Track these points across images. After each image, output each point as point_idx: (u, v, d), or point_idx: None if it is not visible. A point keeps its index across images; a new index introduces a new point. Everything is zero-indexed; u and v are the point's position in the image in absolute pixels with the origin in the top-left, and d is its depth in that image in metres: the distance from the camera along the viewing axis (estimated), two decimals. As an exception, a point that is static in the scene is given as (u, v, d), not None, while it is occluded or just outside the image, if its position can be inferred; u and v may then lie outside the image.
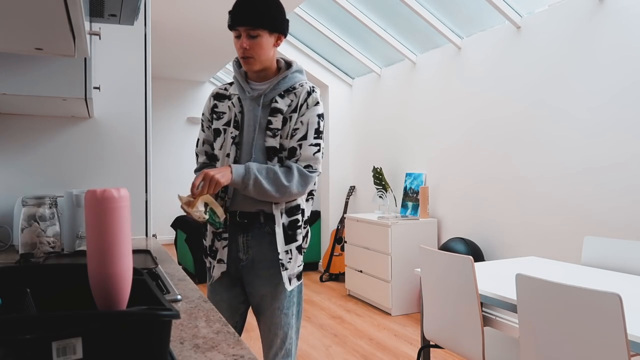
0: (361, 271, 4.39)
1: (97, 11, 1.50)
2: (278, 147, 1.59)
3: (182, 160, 7.79)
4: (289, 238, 1.60)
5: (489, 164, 3.65)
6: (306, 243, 1.67)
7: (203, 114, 1.76)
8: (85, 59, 1.69)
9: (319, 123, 1.60)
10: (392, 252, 3.99)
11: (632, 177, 2.68)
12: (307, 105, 1.60)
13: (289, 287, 1.60)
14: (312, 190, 1.68)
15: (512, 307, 1.74)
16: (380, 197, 4.55)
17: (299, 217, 1.62)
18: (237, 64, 1.70)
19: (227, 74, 7.41)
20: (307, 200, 1.67)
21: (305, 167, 1.58)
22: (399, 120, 4.71)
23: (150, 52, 2.47)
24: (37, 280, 0.84)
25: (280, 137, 1.59)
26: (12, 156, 2.13)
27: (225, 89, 1.73)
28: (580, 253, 2.96)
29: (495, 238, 3.59)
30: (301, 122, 1.59)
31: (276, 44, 1.60)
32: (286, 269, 1.59)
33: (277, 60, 1.67)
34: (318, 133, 1.60)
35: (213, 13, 4.28)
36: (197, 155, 1.78)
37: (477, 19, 3.66)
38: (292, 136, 1.59)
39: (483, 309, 1.94)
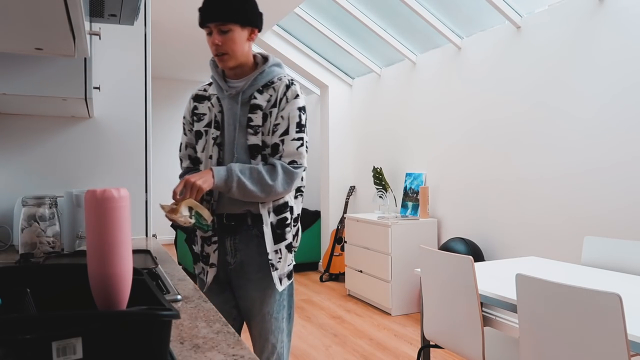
0: (361, 271, 4.39)
1: (97, 11, 1.50)
2: (260, 144, 1.54)
3: (182, 160, 7.79)
4: (278, 237, 1.56)
5: (489, 164, 3.65)
6: (297, 241, 1.63)
7: (184, 117, 1.71)
8: (85, 59, 1.69)
9: (300, 116, 1.55)
10: (392, 252, 3.99)
11: (632, 178, 2.68)
12: (287, 99, 1.55)
13: (279, 288, 1.56)
14: (300, 187, 1.63)
15: (512, 307, 1.74)
16: (380, 197, 4.55)
17: (288, 215, 1.58)
18: (214, 63, 1.66)
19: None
20: (295, 197, 1.63)
21: (290, 163, 1.53)
22: (399, 120, 4.71)
23: (150, 52, 2.47)
24: (37, 280, 0.84)
25: (262, 134, 1.54)
26: (12, 156, 2.13)
27: (205, 90, 1.69)
28: (581, 253, 2.96)
29: (495, 238, 3.59)
30: (282, 116, 1.54)
31: (250, 38, 1.56)
32: (276, 269, 1.56)
33: (254, 56, 1.62)
34: (300, 127, 1.55)
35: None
36: (180, 160, 1.73)
37: (477, 19, 3.66)
38: (273, 132, 1.54)
39: (483, 309, 1.94)
